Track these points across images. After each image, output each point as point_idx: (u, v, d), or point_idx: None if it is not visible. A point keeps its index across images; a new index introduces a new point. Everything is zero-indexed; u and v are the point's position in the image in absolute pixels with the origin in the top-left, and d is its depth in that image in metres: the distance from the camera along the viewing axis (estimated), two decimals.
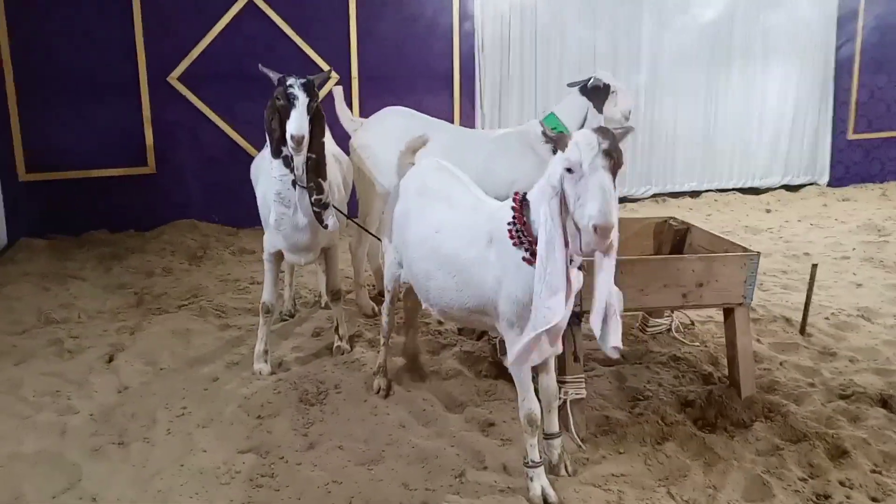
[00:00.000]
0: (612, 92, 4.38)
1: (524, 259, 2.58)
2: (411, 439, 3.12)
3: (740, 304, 3.45)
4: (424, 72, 7.36)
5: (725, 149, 8.51)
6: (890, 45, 8.85)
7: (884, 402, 3.44)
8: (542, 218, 2.44)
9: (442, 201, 3.09)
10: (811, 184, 8.90)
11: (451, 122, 7.31)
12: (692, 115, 8.35)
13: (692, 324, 4.39)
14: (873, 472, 2.86)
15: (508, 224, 2.64)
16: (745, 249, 3.43)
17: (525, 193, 2.67)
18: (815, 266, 4.27)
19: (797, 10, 8.42)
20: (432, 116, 4.70)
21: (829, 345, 4.10)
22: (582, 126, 4.30)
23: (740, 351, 3.50)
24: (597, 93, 4.42)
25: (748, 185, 8.64)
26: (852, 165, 9.13)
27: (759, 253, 3.36)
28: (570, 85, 4.55)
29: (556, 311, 2.40)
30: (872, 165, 9.22)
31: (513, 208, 2.66)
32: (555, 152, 2.48)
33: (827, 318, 4.47)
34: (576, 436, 3.10)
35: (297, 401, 3.48)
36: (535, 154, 4.30)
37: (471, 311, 2.89)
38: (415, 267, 3.12)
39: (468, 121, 7.57)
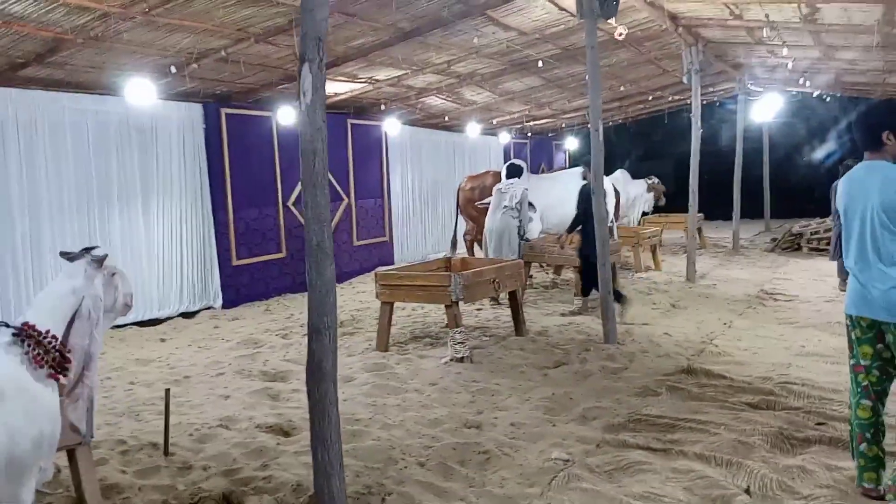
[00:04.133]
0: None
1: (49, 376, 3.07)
2: None
3: (80, 444, 3.61)
4: None
5: None
6: (253, 184, 10.51)
7: (226, 498, 3.99)
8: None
9: None
10: (207, 308, 9.79)
11: None
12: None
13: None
14: None
15: (29, 350, 3.03)
16: None
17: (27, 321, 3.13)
18: (168, 391, 4.75)
19: (169, 154, 9.37)
20: None
21: (187, 459, 4.54)
22: None
23: (87, 490, 3.65)
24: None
25: (147, 317, 8.99)
26: (241, 287, 10.36)
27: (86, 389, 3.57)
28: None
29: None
30: (258, 286, 10.64)
31: (29, 335, 3.07)
32: None
33: (191, 435, 4.94)
34: None
35: None
36: None
37: None
38: None
39: None
